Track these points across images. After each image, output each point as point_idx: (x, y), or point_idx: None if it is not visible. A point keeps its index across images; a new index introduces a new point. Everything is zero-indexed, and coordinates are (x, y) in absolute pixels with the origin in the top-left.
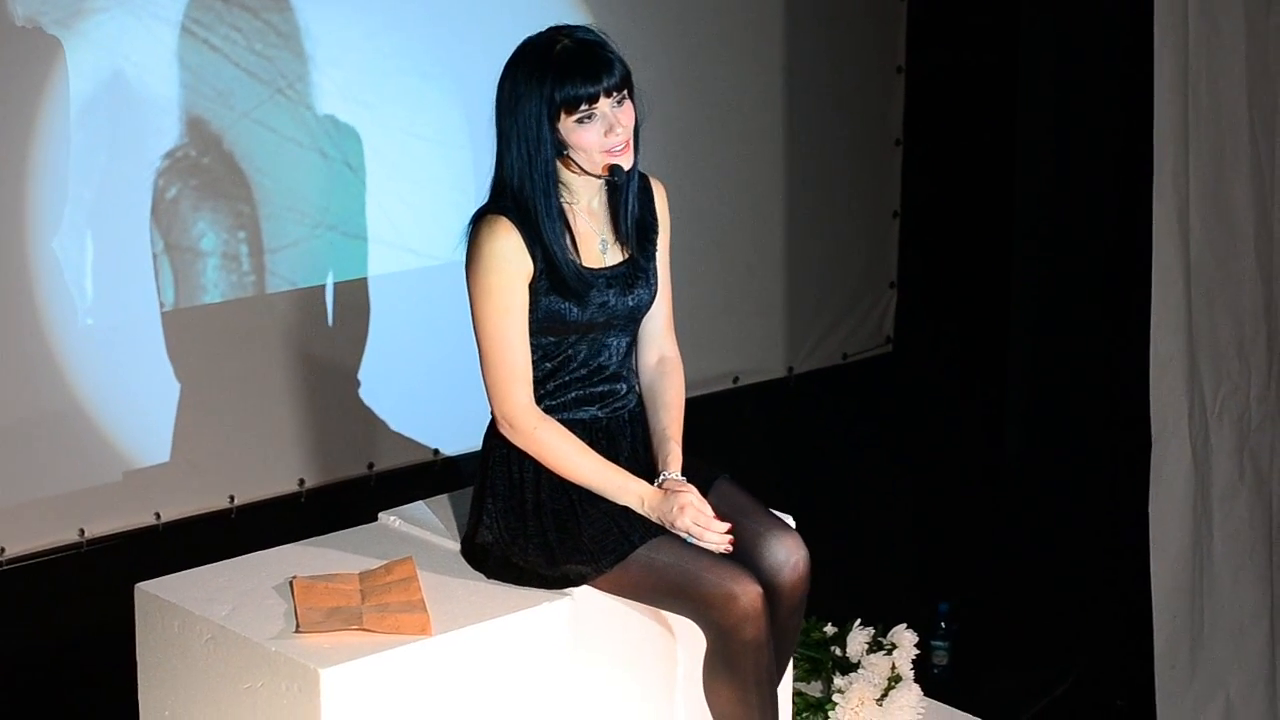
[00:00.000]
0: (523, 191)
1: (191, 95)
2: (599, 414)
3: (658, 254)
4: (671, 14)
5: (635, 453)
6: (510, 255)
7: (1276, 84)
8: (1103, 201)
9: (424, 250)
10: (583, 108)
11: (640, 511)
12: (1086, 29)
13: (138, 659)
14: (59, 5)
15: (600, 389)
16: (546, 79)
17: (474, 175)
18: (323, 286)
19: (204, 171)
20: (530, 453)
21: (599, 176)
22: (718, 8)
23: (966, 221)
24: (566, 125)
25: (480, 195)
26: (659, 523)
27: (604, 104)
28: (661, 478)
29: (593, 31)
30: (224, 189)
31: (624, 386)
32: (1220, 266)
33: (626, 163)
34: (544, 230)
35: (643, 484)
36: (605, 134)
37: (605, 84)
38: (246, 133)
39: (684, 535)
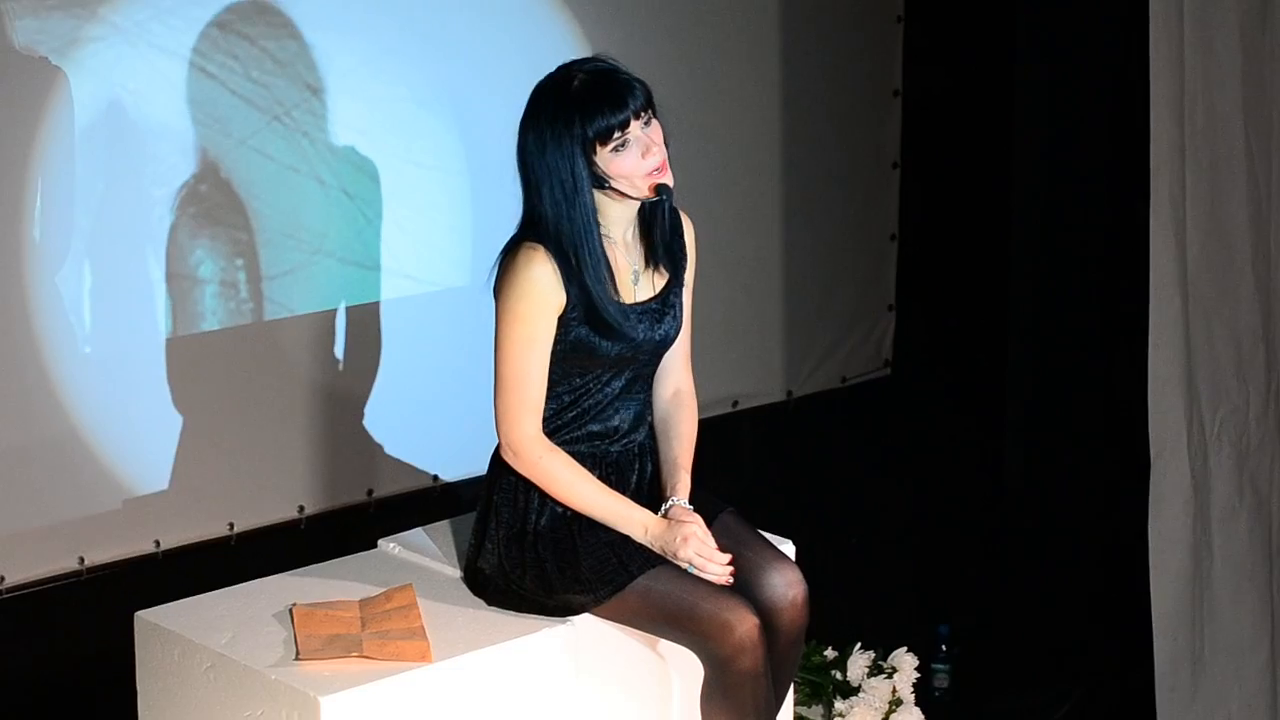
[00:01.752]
0: (560, 232)
1: (189, 123)
2: (609, 448)
3: (684, 289)
4: (666, 39)
5: (642, 486)
6: (544, 287)
7: (1272, 103)
8: (1099, 222)
9: (422, 276)
10: (615, 136)
11: (643, 541)
12: (1082, 50)
13: (138, 687)
14: (56, 34)
15: (609, 425)
16: (573, 117)
17: (471, 202)
18: (321, 313)
19: (201, 199)
20: (534, 480)
21: (648, 199)
22: (713, 32)
23: (964, 244)
24: (603, 157)
25: (479, 220)
26: (661, 553)
27: (634, 128)
28: (669, 504)
29: (602, 60)
30: (222, 216)
31: (628, 425)
32: (1218, 286)
33: (670, 180)
34: (585, 271)
35: (646, 513)
36: (643, 156)
37: (632, 108)
38: (244, 160)
39: (686, 566)
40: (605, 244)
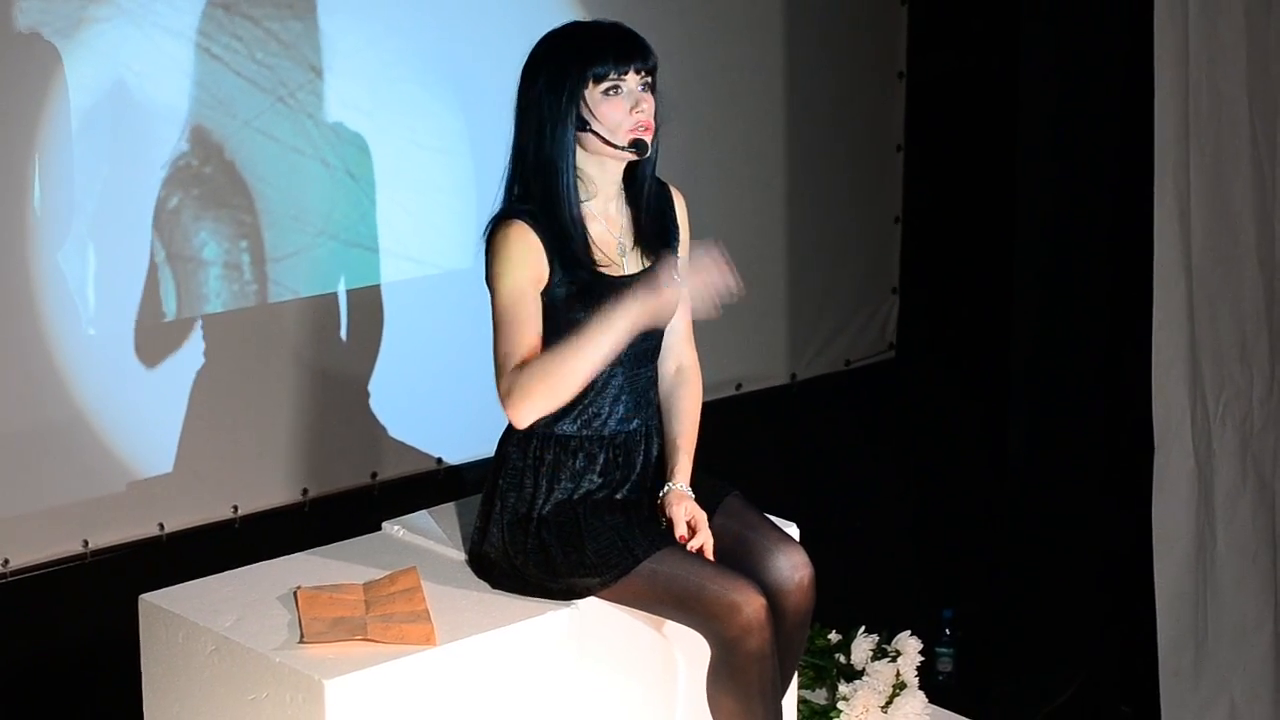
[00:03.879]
0: (541, 174)
1: (193, 104)
2: (615, 430)
3: (678, 263)
4: (671, 22)
5: (648, 468)
6: (525, 256)
7: (1277, 88)
8: (1104, 206)
9: (426, 259)
10: (612, 77)
11: (631, 305)
12: (1087, 33)
13: (142, 670)
14: (60, 15)
15: (614, 408)
16: (578, 50)
17: (475, 183)
18: (325, 295)
19: (206, 181)
20: (540, 408)
21: (621, 148)
22: (717, 15)
23: (968, 227)
24: (593, 96)
25: (483, 203)
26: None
27: (632, 80)
28: (666, 488)
29: (621, 24)
30: (226, 198)
31: (633, 406)
32: (1222, 270)
33: (650, 139)
34: (560, 218)
35: (624, 300)
36: (630, 110)
37: (636, 62)
38: (248, 142)
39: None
40: (585, 214)
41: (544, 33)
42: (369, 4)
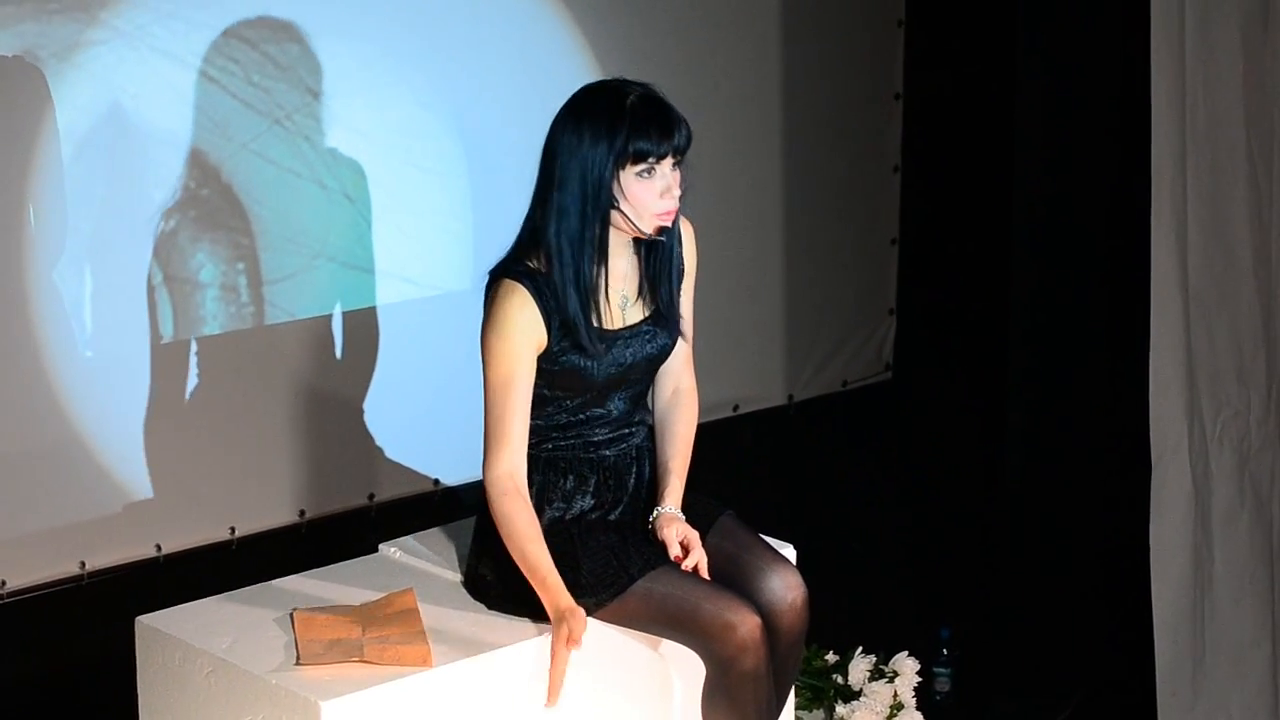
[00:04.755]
0: (565, 240)
1: (189, 127)
2: (606, 453)
3: (685, 291)
4: (668, 42)
5: (639, 489)
6: (524, 327)
7: (1273, 105)
8: (1100, 225)
9: (423, 281)
10: (649, 160)
11: (551, 615)
12: (1083, 53)
13: (139, 692)
14: (56, 38)
15: (607, 435)
16: (620, 126)
17: (472, 205)
18: (322, 318)
19: (202, 203)
20: (492, 513)
21: (645, 236)
22: (714, 35)
23: (965, 248)
24: (627, 177)
25: (479, 225)
26: (556, 633)
27: (666, 164)
28: (656, 512)
29: (655, 88)
30: (222, 220)
31: (629, 429)
32: (1219, 289)
33: (671, 224)
34: (575, 285)
35: (566, 598)
36: (661, 195)
37: (675, 142)
38: (245, 164)
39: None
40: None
41: (585, 85)
42: (366, 26)
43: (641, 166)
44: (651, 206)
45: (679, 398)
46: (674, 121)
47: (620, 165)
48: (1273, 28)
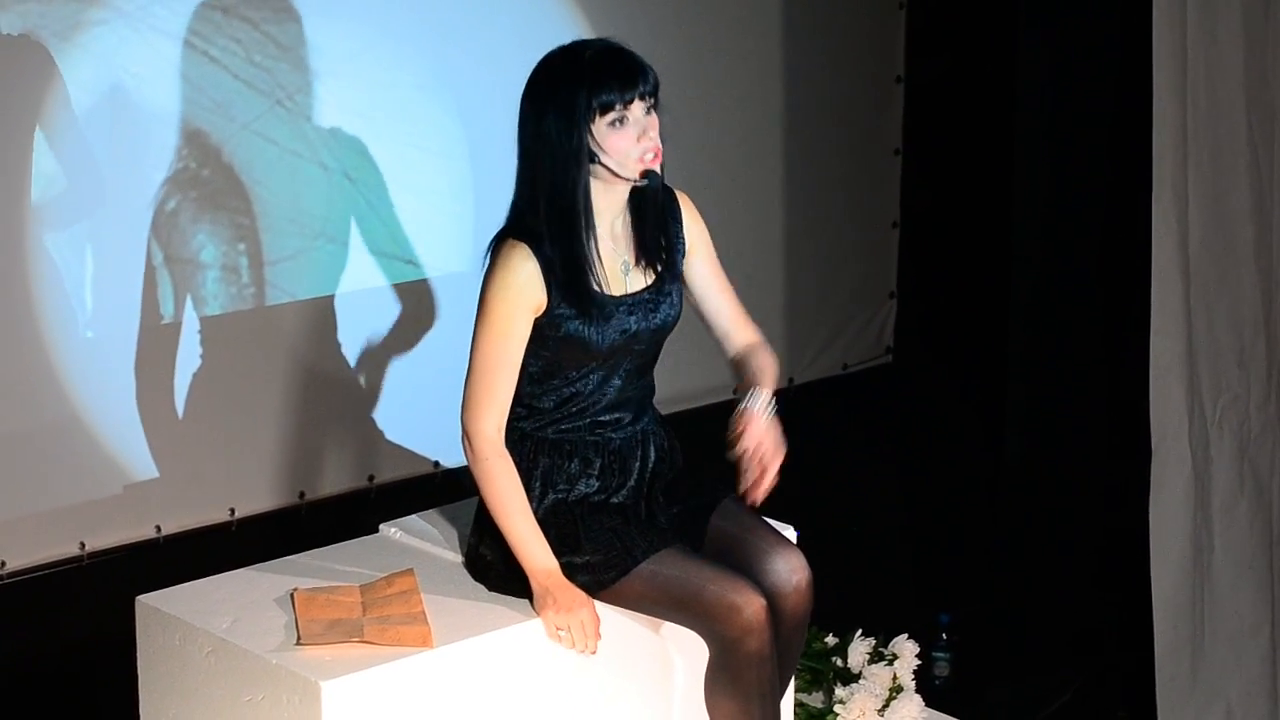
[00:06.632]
0: (554, 208)
1: (191, 107)
2: (612, 436)
3: (703, 259)
4: (669, 25)
5: (644, 473)
6: (523, 285)
7: (1274, 90)
8: (1101, 210)
9: (423, 262)
10: (617, 109)
11: (535, 584)
12: (1084, 38)
13: (139, 672)
14: (58, 18)
15: (612, 416)
16: (580, 84)
17: (473, 186)
18: (322, 298)
19: (203, 183)
20: (475, 476)
21: (633, 181)
22: (715, 19)
23: (965, 231)
24: (600, 129)
25: (480, 206)
26: (539, 599)
27: (637, 108)
28: (752, 392)
29: (613, 40)
30: (223, 201)
31: (631, 413)
32: (1220, 274)
33: (658, 166)
34: (572, 250)
35: (552, 560)
36: (638, 139)
37: (640, 88)
38: (246, 145)
39: (553, 631)
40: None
41: (543, 55)
42: (367, 7)
43: (611, 116)
44: (630, 152)
45: (754, 347)
46: (635, 67)
47: (590, 119)
48: (1274, 12)
